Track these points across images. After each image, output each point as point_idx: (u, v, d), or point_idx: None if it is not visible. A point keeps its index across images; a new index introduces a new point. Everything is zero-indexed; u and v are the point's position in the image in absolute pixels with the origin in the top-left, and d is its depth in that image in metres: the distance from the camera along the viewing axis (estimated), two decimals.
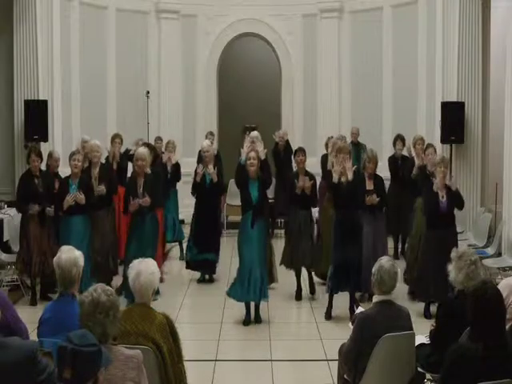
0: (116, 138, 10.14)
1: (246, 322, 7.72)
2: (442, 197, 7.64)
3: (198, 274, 9.63)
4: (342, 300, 7.95)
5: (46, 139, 10.75)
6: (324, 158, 10.09)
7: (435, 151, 8.88)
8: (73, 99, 12.39)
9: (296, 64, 14.09)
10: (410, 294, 8.31)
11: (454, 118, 10.57)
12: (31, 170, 8.46)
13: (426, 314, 7.65)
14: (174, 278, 9.84)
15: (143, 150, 8.13)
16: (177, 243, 10.99)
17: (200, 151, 10.11)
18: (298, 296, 8.71)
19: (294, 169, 11.44)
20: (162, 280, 8.71)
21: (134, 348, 3.88)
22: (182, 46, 14.01)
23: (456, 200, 7.71)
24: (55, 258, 4.46)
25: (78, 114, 12.50)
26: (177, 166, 10.52)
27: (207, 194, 9.27)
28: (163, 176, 9.79)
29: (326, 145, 10.39)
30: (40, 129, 10.63)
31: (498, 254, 8.94)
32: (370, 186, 8.27)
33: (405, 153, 10.31)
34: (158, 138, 11.34)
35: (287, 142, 12.00)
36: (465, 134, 10.71)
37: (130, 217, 8.21)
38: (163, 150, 10.82)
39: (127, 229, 8.39)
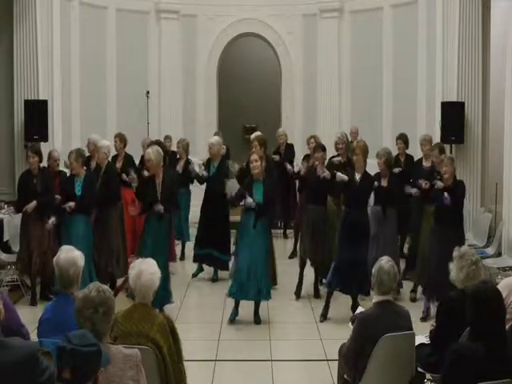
0: (115, 138, 10.11)
1: (232, 319, 7.71)
2: (443, 187, 7.66)
3: (200, 274, 9.66)
4: (342, 300, 7.95)
5: (46, 139, 10.73)
6: (305, 158, 9.99)
7: (441, 152, 8.74)
8: (73, 99, 12.38)
9: (296, 64, 14.09)
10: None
11: (454, 118, 10.55)
12: (30, 169, 8.49)
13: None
14: (174, 278, 9.81)
15: (148, 150, 8.13)
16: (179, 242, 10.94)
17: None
18: (297, 293, 8.67)
19: (296, 168, 11.49)
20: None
21: (134, 348, 3.89)
22: (181, 46, 14.00)
23: (455, 191, 7.71)
24: (55, 258, 4.47)
25: (77, 114, 12.49)
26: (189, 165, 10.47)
27: (211, 190, 9.28)
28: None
29: (308, 144, 10.41)
30: (40, 129, 10.61)
31: (498, 254, 8.94)
32: (384, 183, 8.24)
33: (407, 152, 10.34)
34: (167, 137, 11.26)
35: (289, 145, 11.95)
36: (465, 134, 10.70)
37: (144, 218, 8.17)
38: (174, 148, 10.82)
39: (141, 229, 8.33)
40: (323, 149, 8.65)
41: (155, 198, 7.80)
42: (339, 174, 7.82)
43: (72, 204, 8.09)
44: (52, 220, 8.32)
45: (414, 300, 8.42)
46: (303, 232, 8.78)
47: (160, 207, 7.72)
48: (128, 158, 9.98)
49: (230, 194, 8.10)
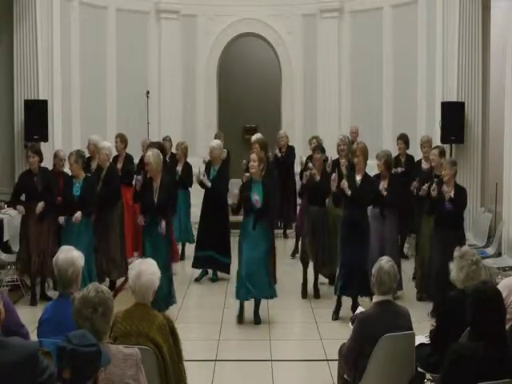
0: (116, 138, 10.10)
1: (240, 318, 7.73)
2: (450, 197, 7.64)
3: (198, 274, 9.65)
4: (342, 300, 7.93)
5: (46, 139, 10.73)
6: (309, 158, 9.98)
7: (441, 154, 8.64)
8: (73, 99, 12.37)
9: (296, 64, 14.08)
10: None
11: (454, 118, 10.55)
12: (31, 169, 8.49)
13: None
14: (174, 278, 9.81)
15: (147, 153, 8.11)
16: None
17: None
18: (304, 293, 8.68)
19: (297, 168, 11.51)
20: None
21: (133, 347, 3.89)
22: (182, 46, 14.00)
23: (458, 200, 7.70)
24: (54, 258, 4.47)
25: (77, 114, 12.49)
26: (188, 169, 10.45)
27: (211, 193, 9.25)
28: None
29: (310, 144, 10.42)
30: (40, 129, 10.60)
31: (498, 254, 8.94)
32: (384, 184, 8.21)
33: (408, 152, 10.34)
34: (166, 138, 11.27)
35: (290, 147, 11.94)
36: (465, 134, 10.69)
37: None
38: (174, 150, 10.82)
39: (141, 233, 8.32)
40: (322, 150, 8.81)
41: (151, 201, 7.80)
42: (345, 186, 7.75)
43: (79, 215, 8.06)
44: (65, 218, 8.24)
45: (420, 299, 8.39)
46: (304, 233, 8.79)
47: (163, 227, 7.72)
48: (128, 159, 9.99)
49: (232, 202, 8.05)
